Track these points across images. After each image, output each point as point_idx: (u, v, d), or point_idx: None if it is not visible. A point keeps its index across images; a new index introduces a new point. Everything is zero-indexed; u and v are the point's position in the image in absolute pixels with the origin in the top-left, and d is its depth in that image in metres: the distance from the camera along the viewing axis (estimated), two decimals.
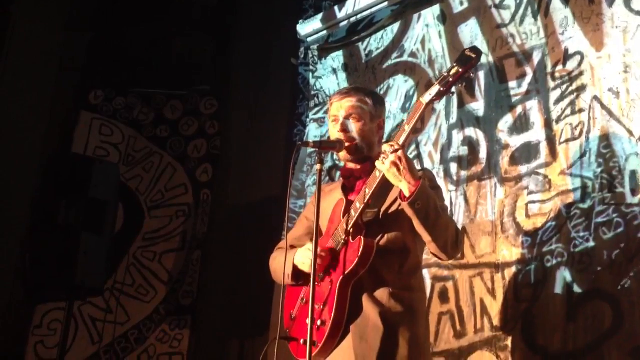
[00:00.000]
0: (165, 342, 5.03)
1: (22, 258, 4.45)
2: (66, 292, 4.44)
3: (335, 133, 2.80)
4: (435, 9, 4.33)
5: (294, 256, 2.75)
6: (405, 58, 4.43)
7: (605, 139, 3.23)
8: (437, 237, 2.58)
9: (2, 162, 4.97)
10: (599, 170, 3.21)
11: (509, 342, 3.30)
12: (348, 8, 4.81)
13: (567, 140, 3.39)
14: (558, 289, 3.19)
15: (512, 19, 3.84)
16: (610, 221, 3.10)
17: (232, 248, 5.01)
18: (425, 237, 2.59)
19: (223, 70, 5.66)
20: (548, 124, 3.49)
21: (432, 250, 2.66)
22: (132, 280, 5.19)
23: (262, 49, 5.43)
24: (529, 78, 3.66)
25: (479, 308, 3.47)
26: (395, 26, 4.57)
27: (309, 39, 5.09)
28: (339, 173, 4.30)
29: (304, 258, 2.70)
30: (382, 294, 2.60)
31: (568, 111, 3.43)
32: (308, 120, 4.94)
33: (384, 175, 2.55)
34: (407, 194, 2.51)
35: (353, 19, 4.82)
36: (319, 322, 2.59)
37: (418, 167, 3.48)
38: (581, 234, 3.19)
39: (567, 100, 3.45)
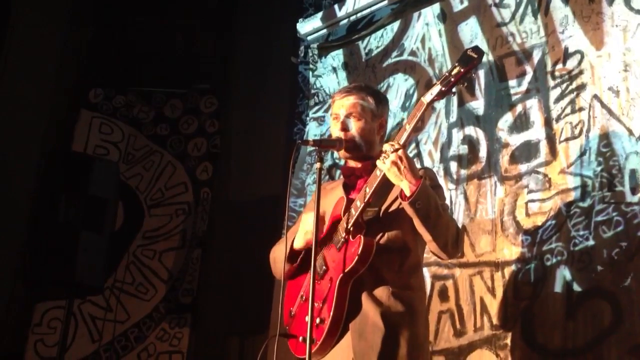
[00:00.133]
0: (165, 341, 5.03)
1: (22, 256, 4.45)
2: (66, 291, 4.45)
3: (335, 131, 2.80)
4: (435, 8, 4.33)
5: (293, 240, 2.76)
6: (405, 57, 4.43)
7: (605, 137, 3.23)
8: (438, 237, 2.58)
9: (2, 160, 4.97)
10: (598, 168, 3.22)
11: (508, 340, 3.30)
12: (348, 7, 4.82)
13: (567, 139, 3.39)
14: (558, 287, 3.20)
15: (512, 17, 3.84)
16: (610, 220, 3.10)
17: (232, 246, 5.02)
18: (426, 236, 2.59)
19: (223, 69, 5.67)
20: (548, 123, 3.50)
21: (433, 250, 2.66)
22: (132, 279, 5.18)
23: (262, 48, 5.43)
24: (529, 77, 3.66)
25: (478, 306, 3.48)
26: (395, 25, 4.57)
27: (308, 38, 5.10)
28: (339, 172, 4.30)
29: (305, 226, 2.70)
30: (381, 292, 2.60)
31: (568, 110, 3.43)
32: (308, 118, 4.94)
33: (384, 175, 2.55)
34: (407, 193, 2.51)
35: (353, 18, 4.83)
36: (317, 320, 2.59)
37: (418, 166, 3.49)
38: (581, 233, 3.19)
39: (567, 99, 3.45)
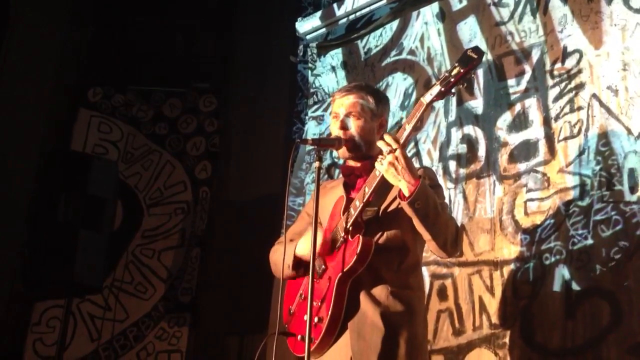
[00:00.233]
0: (164, 340, 5.03)
1: (21, 255, 4.45)
2: (65, 290, 4.45)
3: (335, 130, 2.80)
4: (434, 7, 4.33)
5: (295, 246, 2.76)
6: (404, 56, 4.43)
7: (604, 136, 3.23)
8: (437, 236, 2.58)
9: (2, 159, 4.97)
10: (597, 168, 3.22)
11: (507, 339, 3.30)
12: (347, 6, 4.82)
13: (565, 138, 3.40)
14: (556, 286, 3.20)
15: (511, 16, 3.84)
16: (609, 219, 3.11)
17: (231, 245, 5.02)
18: (425, 235, 2.59)
19: (222, 68, 5.67)
20: (547, 122, 3.50)
21: (432, 249, 2.66)
22: (131, 278, 5.19)
23: (261, 47, 5.43)
24: (527, 76, 3.66)
25: (477, 305, 3.48)
26: (394, 24, 4.58)
27: (307, 37, 5.10)
28: (337, 171, 4.30)
29: (305, 244, 2.70)
30: (380, 292, 2.60)
31: (567, 109, 3.43)
32: (307, 117, 4.94)
33: (383, 175, 2.55)
34: (406, 193, 2.50)
35: (352, 17, 4.83)
36: (316, 319, 2.59)
37: (417, 165, 3.49)
38: (580, 232, 3.19)
39: (565, 98, 3.45)
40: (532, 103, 3.59)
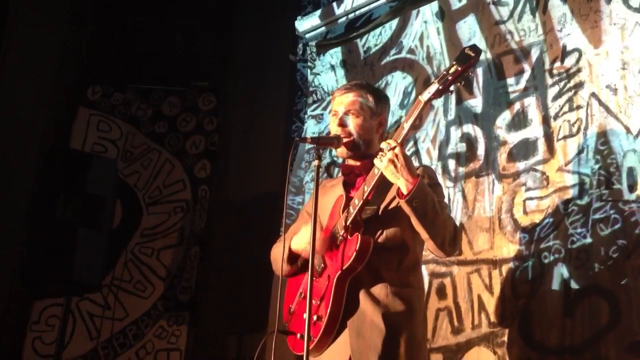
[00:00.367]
0: (163, 338, 5.03)
1: (20, 254, 4.45)
2: (64, 288, 4.45)
3: (334, 128, 2.80)
4: (434, 6, 4.33)
5: (291, 241, 2.77)
6: (403, 54, 4.44)
7: (603, 135, 3.23)
8: (435, 235, 2.58)
9: (1, 157, 4.97)
10: (596, 166, 3.22)
11: (506, 338, 3.31)
12: (346, 4, 4.82)
13: (564, 137, 3.40)
14: (555, 285, 3.20)
15: (511, 15, 3.85)
16: (608, 217, 3.11)
17: (230, 244, 5.03)
18: (423, 234, 2.59)
19: (221, 67, 5.67)
20: (546, 121, 3.50)
21: (430, 248, 2.66)
22: (130, 276, 5.19)
23: (260, 46, 5.44)
24: (527, 75, 3.66)
25: (476, 304, 3.48)
26: (394, 23, 4.58)
27: (307, 35, 5.10)
28: (337, 170, 4.30)
29: (301, 238, 2.72)
30: (379, 290, 2.60)
31: (566, 108, 3.43)
32: (306, 116, 4.94)
33: (382, 173, 2.55)
34: (404, 191, 2.51)
35: (351, 16, 4.83)
36: (315, 317, 2.60)
37: (418, 164, 3.50)
38: (578, 231, 3.20)
39: (565, 97, 3.45)
40: (531, 102, 3.59)
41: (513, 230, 3.45)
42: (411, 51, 4.38)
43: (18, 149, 5.06)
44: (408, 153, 3.98)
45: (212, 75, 5.69)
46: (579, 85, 3.40)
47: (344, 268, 2.59)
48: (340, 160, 3.06)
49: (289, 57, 5.19)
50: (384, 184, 2.62)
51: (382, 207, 2.70)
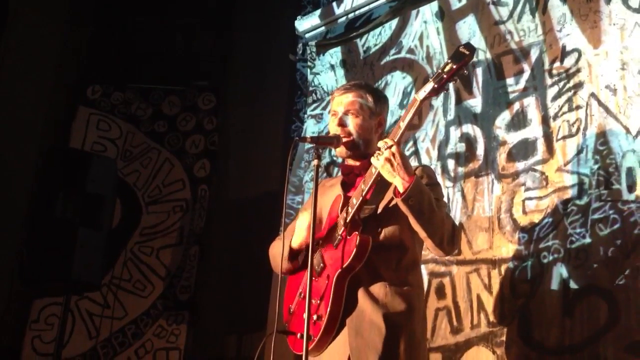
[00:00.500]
0: (163, 337, 5.04)
1: (20, 253, 4.45)
2: (63, 287, 4.45)
3: (333, 127, 2.81)
4: (434, 6, 4.33)
5: (291, 239, 2.78)
6: (403, 54, 4.44)
7: (602, 135, 3.24)
8: (433, 234, 2.58)
9: (1, 157, 4.97)
10: (595, 166, 3.22)
11: (505, 337, 3.31)
12: (346, 4, 4.82)
13: (564, 137, 3.40)
14: (554, 284, 3.20)
15: (510, 15, 3.85)
16: (607, 217, 3.11)
17: (229, 243, 5.03)
18: (421, 233, 2.60)
19: (221, 67, 5.67)
20: (545, 121, 3.50)
21: (429, 247, 2.66)
22: (130, 275, 5.19)
23: (260, 45, 5.44)
24: (526, 75, 3.66)
25: (475, 304, 3.48)
26: (393, 22, 4.58)
27: (307, 35, 5.10)
28: (336, 169, 4.31)
29: (299, 230, 2.73)
30: (379, 289, 2.61)
31: (565, 108, 3.44)
32: (306, 116, 4.94)
33: (379, 172, 2.55)
34: (400, 190, 2.51)
35: (351, 15, 4.83)
36: (315, 317, 2.60)
37: (417, 164, 3.50)
38: (577, 231, 3.20)
39: (564, 97, 3.46)
40: (530, 102, 3.60)
41: (512, 230, 3.46)
42: (411, 51, 4.39)
43: (18, 149, 5.06)
44: (407, 153, 4.02)
45: (212, 75, 5.69)
46: (579, 86, 3.41)
47: (343, 267, 2.59)
48: (339, 160, 3.06)
49: (288, 56, 5.19)
50: (382, 184, 2.62)
51: (380, 206, 2.70)
